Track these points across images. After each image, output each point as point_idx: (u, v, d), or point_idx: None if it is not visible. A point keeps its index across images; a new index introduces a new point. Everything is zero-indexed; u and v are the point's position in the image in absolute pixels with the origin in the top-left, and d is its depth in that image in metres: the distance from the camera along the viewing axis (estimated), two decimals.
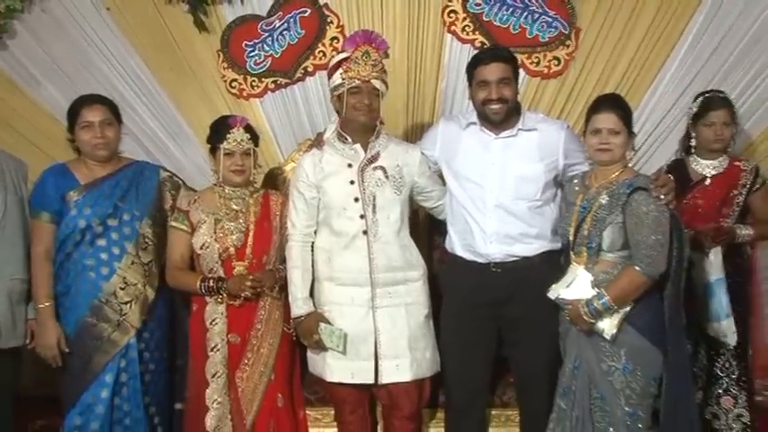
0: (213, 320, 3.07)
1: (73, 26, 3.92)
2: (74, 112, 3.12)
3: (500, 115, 3.01)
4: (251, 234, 3.11)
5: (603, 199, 2.81)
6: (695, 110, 3.36)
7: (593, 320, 2.76)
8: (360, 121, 3.03)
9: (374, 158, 3.08)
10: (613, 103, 2.89)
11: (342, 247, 3.05)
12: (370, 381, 3.02)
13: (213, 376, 3.05)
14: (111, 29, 3.94)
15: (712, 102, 3.35)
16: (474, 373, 3.16)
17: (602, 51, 3.92)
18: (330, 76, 3.09)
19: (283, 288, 3.13)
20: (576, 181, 2.99)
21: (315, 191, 3.08)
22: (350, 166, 3.07)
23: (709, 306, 3.19)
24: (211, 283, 3.04)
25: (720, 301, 3.16)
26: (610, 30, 3.90)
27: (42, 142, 3.88)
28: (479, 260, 3.08)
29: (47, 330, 3.01)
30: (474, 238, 3.08)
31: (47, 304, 3.02)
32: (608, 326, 2.75)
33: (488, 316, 3.10)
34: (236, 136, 3.09)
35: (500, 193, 3.04)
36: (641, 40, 3.90)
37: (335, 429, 3.24)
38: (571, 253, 2.91)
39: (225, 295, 3.05)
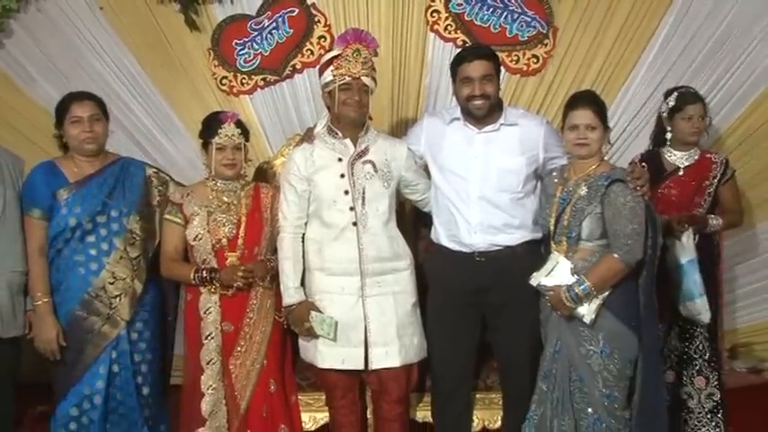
0: (207, 310, 3.08)
1: (67, 25, 3.92)
2: (63, 108, 3.11)
3: (483, 110, 3.04)
4: (242, 226, 3.11)
5: (582, 191, 2.86)
6: (672, 104, 3.39)
7: (573, 305, 2.81)
8: (350, 116, 3.05)
9: (363, 153, 3.10)
10: (589, 100, 2.93)
11: (332, 239, 3.07)
12: (360, 367, 3.05)
13: (208, 363, 3.07)
14: (105, 28, 3.95)
15: (689, 96, 3.40)
16: (459, 358, 3.19)
17: (579, 50, 3.98)
18: (321, 73, 3.10)
19: (275, 278, 3.14)
20: (554, 174, 3.03)
21: (306, 184, 3.09)
22: (340, 160, 3.08)
23: (682, 286, 3.24)
24: (204, 274, 3.04)
25: (694, 280, 3.21)
26: (586, 29, 3.97)
27: (38, 138, 3.83)
28: (464, 250, 3.11)
29: (46, 325, 3.01)
30: (459, 229, 3.11)
31: (45, 300, 3.02)
32: (587, 311, 2.80)
33: (472, 303, 3.14)
34: (228, 131, 3.10)
35: (483, 185, 3.07)
36: (615, 39, 3.96)
37: (327, 414, 3.26)
38: (551, 242, 2.96)
39: (218, 285, 3.05)
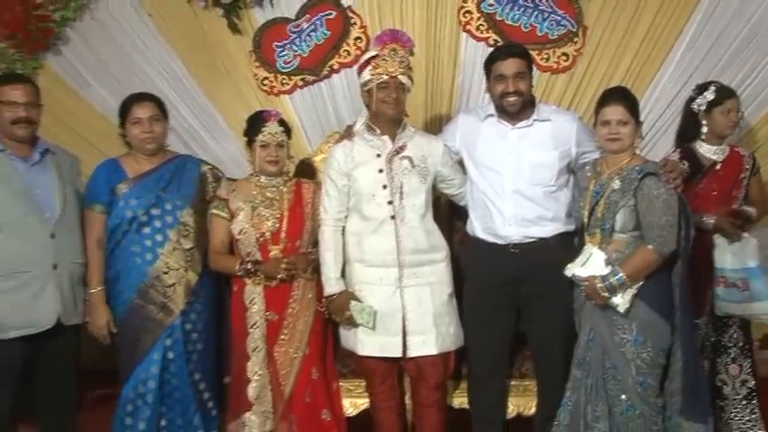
0: (252, 300, 3.14)
1: (119, 32, 4.01)
2: (125, 109, 3.18)
3: (516, 107, 3.06)
4: (285, 220, 3.17)
5: (616, 184, 2.87)
6: (711, 97, 3.33)
7: (608, 295, 2.82)
8: (388, 114, 3.08)
9: (401, 149, 3.13)
10: (621, 96, 2.94)
11: (371, 231, 3.11)
12: (398, 354, 3.09)
13: (253, 351, 3.13)
14: (153, 34, 4.04)
15: (727, 90, 3.37)
16: (494, 347, 3.21)
17: (608, 48, 3.98)
18: (360, 73, 3.14)
19: (316, 270, 3.19)
20: (587, 168, 3.03)
21: (346, 179, 3.13)
22: (378, 156, 3.12)
23: (751, 289, 3.17)
24: (249, 266, 3.10)
25: (765, 282, 3.16)
26: (614, 27, 3.96)
27: (93, 138, 3.96)
28: (499, 242, 3.13)
29: (98, 313, 3.11)
30: (494, 222, 3.13)
31: (99, 289, 3.12)
32: (621, 301, 2.82)
33: (507, 294, 3.15)
34: (271, 129, 3.17)
35: (517, 179, 3.09)
36: (644, 37, 3.96)
37: (367, 400, 3.30)
38: (585, 234, 2.96)
39: (262, 277, 3.11)
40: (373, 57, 3.09)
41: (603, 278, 2.83)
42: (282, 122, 3.23)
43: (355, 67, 3.90)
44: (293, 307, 3.17)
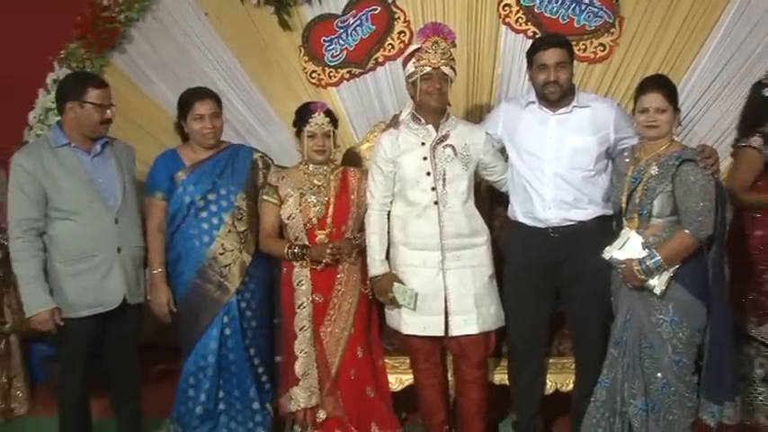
0: (299, 282, 3.19)
1: (178, 30, 4.08)
2: (186, 104, 3.21)
3: (556, 95, 3.03)
4: (331, 206, 3.20)
5: (654, 170, 2.83)
6: None
7: (644, 278, 2.80)
8: (432, 104, 3.07)
9: (444, 138, 3.12)
10: (659, 84, 2.88)
11: (415, 216, 3.12)
12: (441, 333, 3.10)
13: (301, 330, 3.19)
14: (210, 31, 4.10)
15: None
16: (533, 326, 3.20)
17: (644, 38, 3.90)
18: (404, 65, 3.14)
19: (360, 254, 3.22)
20: (626, 154, 2.99)
21: (392, 165, 3.14)
22: (423, 144, 3.12)
23: None
24: (296, 250, 3.15)
25: None
26: (651, 18, 3.89)
27: (154, 130, 4.03)
28: (539, 225, 3.11)
29: (159, 292, 3.20)
30: (534, 206, 3.11)
31: (159, 270, 3.20)
32: (658, 282, 2.79)
33: (546, 275, 3.13)
34: (318, 120, 3.20)
35: (557, 163, 3.06)
36: (679, 27, 3.87)
37: (411, 376, 3.32)
38: (623, 219, 2.93)
39: (308, 260, 3.16)
40: (417, 50, 3.08)
41: (641, 261, 2.80)
42: (329, 113, 3.25)
43: (399, 60, 3.89)
44: (338, 289, 3.22)
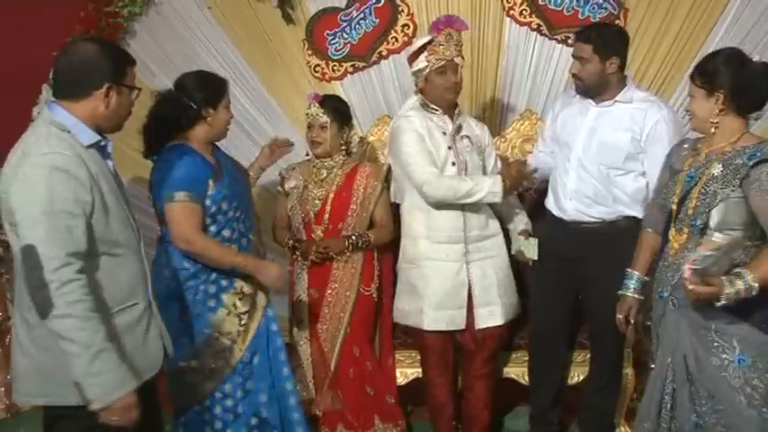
0: (298, 275, 3.17)
1: (181, 24, 4.01)
2: (219, 89, 2.78)
3: (579, 87, 3.01)
4: (329, 201, 3.14)
5: (716, 169, 2.23)
6: None
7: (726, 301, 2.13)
8: (450, 98, 3.03)
9: (460, 128, 3.09)
10: (695, 70, 2.34)
11: (439, 208, 3.03)
12: (461, 327, 3.06)
13: (297, 323, 3.19)
14: (213, 25, 4.02)
15: None
16: (554, 317, 3.16)
17: (649, 30, 3.83)
18: (413, 60, 3.06)
19: (357, 251, 3.11)
20: (686, 145, 2.46)
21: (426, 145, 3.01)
22: (444, 134, 3.06)
23: None
24: (290, 244, 3.13)
25: None
26: (655, 10, 3.81)
27: None
28: (563, 216, 3.06)
29: (266, 267, 2.75)
30: (558, 195, 3.07)
31: (240, 256, 2.71)
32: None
33: (567, 272, 3.07)
34: (312, 111, 3.15)
35: (583, 154, 2.99)
36: (684, 18, 3.80)
37: (416, 369, 3.30)
38: (672, 227, 2.36)
39: (299, 256, 3.11)
40: (428, 43, 3.00)
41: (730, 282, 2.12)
42: (330, 105, 3.17)
43: (403, 54, 3.89)
44: (332, 287, 3.16)
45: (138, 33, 4.07)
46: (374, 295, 3.20)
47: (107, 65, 2.06)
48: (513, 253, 3.19)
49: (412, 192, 3.08)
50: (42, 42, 3.90)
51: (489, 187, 2.96)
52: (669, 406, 2.24)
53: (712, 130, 2.27)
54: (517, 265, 3.29)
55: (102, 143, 2.10)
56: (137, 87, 2.14)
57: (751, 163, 2.17)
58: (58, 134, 1.98)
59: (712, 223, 2.23)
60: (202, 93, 2.74)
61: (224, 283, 2.72)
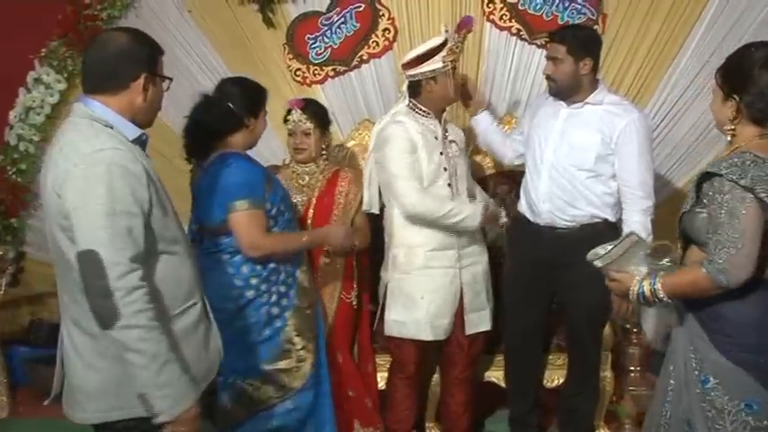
0: None
1: (161, 27, 3.94)
2: (262, 99, 2.81)
3: (552, 89, 3.00)
4: (312, 207, 3.10)
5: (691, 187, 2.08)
6: None
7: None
8: (452, 100, 3.03)
9: (447, 133, 3.07)
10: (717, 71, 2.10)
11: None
12: (449, 334, 3.03)
13: None
14: (193, 29, 3.99)
15: None
16: (528, 322, 3.12)
17: (627, 34, 3.85)
18: (423, 62, 2.95)
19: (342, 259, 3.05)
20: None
21: (414, 157, 2.96)
22: (436, 138, 3.02)
23: None
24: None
25: None
26: (633, 15, 3.83)
27: None
28: (537, 221, 3.03)
29: (326, 232, 2.84)
30: (531, 199, 3.04)
31: (304, 237, 2.81)
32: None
33: (541, 274, 3.04)
34: (294, 117, 3.10)
35: (554, 156, 2.98)
36: (662, 24, 3.81)
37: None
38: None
39: None
40: (443, 44, 2.95)
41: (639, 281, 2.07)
42: (312, 110, 3.13)
43: (384, 58, 3.93)
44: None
45: None
46: (354, 302, 3.17)
47: (143, 54, 1.94)
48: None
49: None
50: (20, 45, 3.90)
51: (469, 212, 2.95)
52: (668, 414, 2.13)
53: (729, 137, 2.05)
54: (496, 270, 3.28)
55: (144, 137, 1.98)
56: (169, 77, 2.01)
57: (697, 178, 2.03)
58: (103, 130, 1.86)
59: (694, 237, 2.08)
60: (246, 101, 2.75)
61: (284, 298, 2.75)
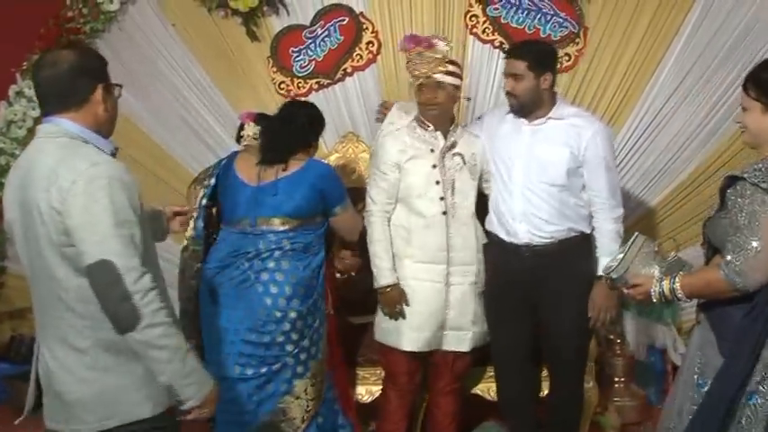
0: None
1: (145, 41, 3.97)
2: (323, 126, 3.17)
3: (513, 106, 2.94)
4: None
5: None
6: None
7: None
8: (430, 114, 2.95)
9: (453, 145, 3.00)
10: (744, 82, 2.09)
11: (422, 227, 2.95)
12: (436, 347, 3.00)
13: None
14: (177, 42, 3.99)
15: None
16: (514, 342, 3.04)
17: (608, 47, 3.89)
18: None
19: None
20: None
21: (397, 172, 2.95)
22: (432, 151, 2.97)
23: None
24: None
25: None
26: (614, 28, 3.87)
27: (122, 142, 3.57)
28: (514, 240, 2.96)
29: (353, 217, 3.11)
30: (506, 219, 2.97)
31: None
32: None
33: (523, 294, 2.98)
34: (248, 131, 3.07)
35: (525, 175, 2.92)
36: (642, 36, 3.86)
37: (381, 387, 3.21)
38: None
39: None
40: (408, 60, 2.97)
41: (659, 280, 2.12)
42: (261, 122, 3.10)
43: (368, 71, 3.96)
44: None
45: (101, 50, 3.87)
46: (331, 312, 3.14)
47: (95, 65, 1.98)
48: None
49: (395, 210, 3.04)
50: (1, 58, 3.86)
51: (381, 267, 2.99)
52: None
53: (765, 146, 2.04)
54: None
55: (116, 149, 2.02)
56: (119, 84, 2.05)
57: (724, 182, 2.05)
58: (84, 146, 1.90)
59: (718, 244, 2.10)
60: (319, 126, 3.13)
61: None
